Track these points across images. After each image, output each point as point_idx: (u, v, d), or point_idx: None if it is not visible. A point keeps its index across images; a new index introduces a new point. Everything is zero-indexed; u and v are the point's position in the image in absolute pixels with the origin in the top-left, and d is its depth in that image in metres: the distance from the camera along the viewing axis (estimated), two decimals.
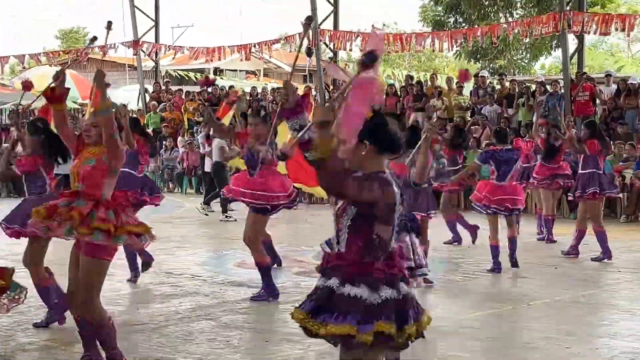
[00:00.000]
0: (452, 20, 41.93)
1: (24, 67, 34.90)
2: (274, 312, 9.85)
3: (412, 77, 28.28)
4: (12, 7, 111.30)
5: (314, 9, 27.02)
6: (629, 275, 12.38)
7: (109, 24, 8.31)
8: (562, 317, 9.60)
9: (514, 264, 12.29)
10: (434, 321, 9.23)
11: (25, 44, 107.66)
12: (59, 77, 7.28)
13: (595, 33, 24.10)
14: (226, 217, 18.35)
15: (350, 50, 31.08)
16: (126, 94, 35.67)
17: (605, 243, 13.14)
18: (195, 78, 41.10)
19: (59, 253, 8.86)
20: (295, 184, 10.81)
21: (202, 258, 13.53)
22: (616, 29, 23.31)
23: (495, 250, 12.18)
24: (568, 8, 23.39)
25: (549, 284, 11.63)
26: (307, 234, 16.31)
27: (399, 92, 26.24)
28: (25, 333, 8.33)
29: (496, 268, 12.13)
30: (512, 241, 12.29)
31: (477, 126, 22.69)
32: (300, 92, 28.00)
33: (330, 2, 27.84)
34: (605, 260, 13.09)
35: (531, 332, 8.81)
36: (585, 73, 23.61)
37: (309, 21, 6.98)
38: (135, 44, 31.78)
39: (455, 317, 9.55)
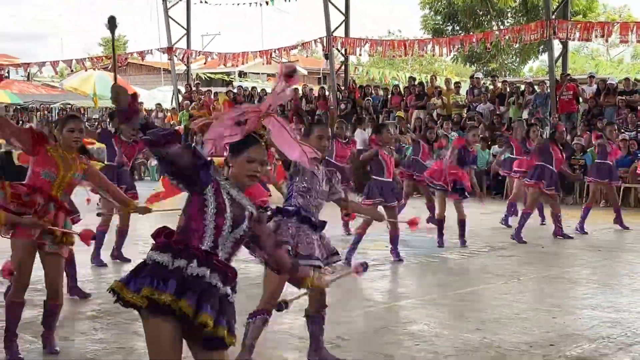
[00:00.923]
0: (450, 28, 41.83)
1: (71, 71, 34.99)
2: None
3: (414, 79, 28.25)
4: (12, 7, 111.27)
5: (327, 17, 27.02)
6: (607, 254, 12.36)
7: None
8: (548, 291, 9.58)
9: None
10: (436, 294, 9.29)
11: (69, 50, 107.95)
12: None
13: (578, 39, 24.12)
14: None
15: (360, 55, 31.03)
16: (161, 94, 35.80)
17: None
18: (223, 80, 41.17)
19: None
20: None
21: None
22: (596, 36, 23.31)
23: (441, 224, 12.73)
24: (554, 17, 23.32)
25: (537, 261, 11.62)
26: None
27: (402, 92, 26.21)
28: (73, 302, 8.36)
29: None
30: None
31: (472, 121, 22.75)
32: (315, 92, 28.13)
33: (341, 12, 27.81)
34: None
35: (521, 304, 8.80)
36: (569, 75, 23.56)
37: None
38: (169, 50, 31.84)
39: (455, 291, 9.55)
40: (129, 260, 10.81)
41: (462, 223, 12.64)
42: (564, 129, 14.62)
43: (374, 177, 10.99)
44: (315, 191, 6.16)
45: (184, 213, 4.28)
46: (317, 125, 6.54)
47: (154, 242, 4.30)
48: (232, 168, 4.39)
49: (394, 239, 11.21)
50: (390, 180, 11.12)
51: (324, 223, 6.27)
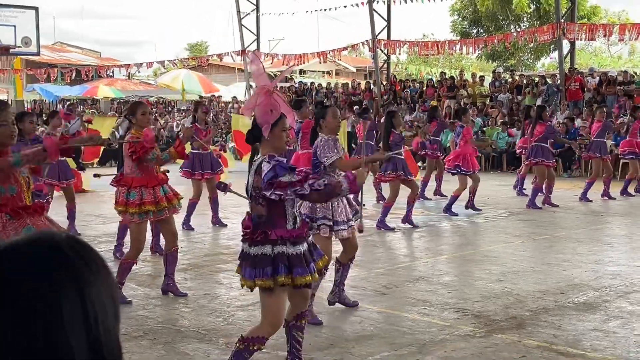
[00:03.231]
0: (475, 31, 41.25)
1: (165, 70, 35.34)
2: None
3: (445, 74, 27.99)
4: (116, 20, 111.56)
5: (372, 24, 26.84)
6: (609, 218, 12.15)
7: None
8: (559, 249, 9.47)
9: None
10: (465, 251, 9.24)
11: (161, 53, 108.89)
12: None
13: (583, 39, 23.69)
14: None
15: (399, 54, 30.82)
16: (236, 89, 35.96)
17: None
18: (286, 77, 41.12)
19: None
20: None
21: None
22: (599, 36, 22.90)
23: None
24: (563, 20, 22.90)
25: (549, 224, 11.47)
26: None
27: (435, 85, 25.97)
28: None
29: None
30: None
31: (493, 109, 22.55)
32: (362, 86, 28.01)
33: (384, 19, 27.59)
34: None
35: (535, 259, 8.71)
36: (575, 69, 23.14)
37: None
38: (242, 52, 31.91)
39: (479, 249, 9.48)
40: (225, 225, 11.10)
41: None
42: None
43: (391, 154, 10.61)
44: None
45: (259, 203, 4.37)
46: (329, 107, 6.44)
47: (246, 232, 4.43)
48: (270, 142, 4.40)
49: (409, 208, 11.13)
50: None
51: None
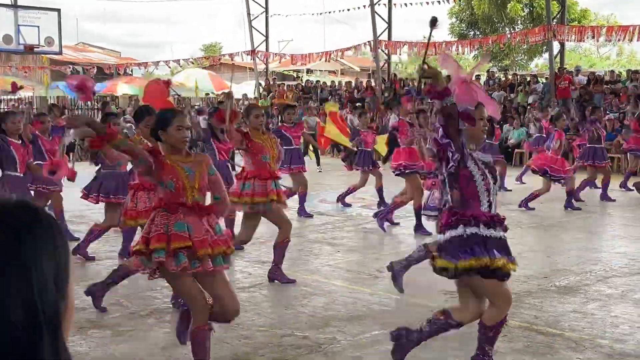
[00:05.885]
0: (472, 33, 41.13)
1: (181, 68, 35.32)
2: (345, 227, 9.85)
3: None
4: (136, 24, 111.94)
5: (374, 26, 26.75)
6: (593, 208, 12.10)
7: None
8: (544, 237, 9.45)
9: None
10: None
11: (178, 54, 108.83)
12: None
13: (573, 40, 23.56)
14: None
15: (400, 54, 30.71)
16: (246, 87, 35.92)
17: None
18: (293, 76, 41.13)
19: None
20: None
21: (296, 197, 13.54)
22: (588, 37, 22.76)
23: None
24: (554, 22, 22.79)
25: (536, 214, 11.43)
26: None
27: None
28: None
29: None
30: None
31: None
32: (364, 84, 27.91)
33: (385, 21, 27.51)
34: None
35: (522, 246, 8.67)
36: (565, 68, 23.04)
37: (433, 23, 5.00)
38: (253, 52, 31.84)
39: None
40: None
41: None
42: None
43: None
44: None
45: (452, 188, 4.21)
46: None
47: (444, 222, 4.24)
48: (469, 130, 4.17)
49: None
50: None
51: None
